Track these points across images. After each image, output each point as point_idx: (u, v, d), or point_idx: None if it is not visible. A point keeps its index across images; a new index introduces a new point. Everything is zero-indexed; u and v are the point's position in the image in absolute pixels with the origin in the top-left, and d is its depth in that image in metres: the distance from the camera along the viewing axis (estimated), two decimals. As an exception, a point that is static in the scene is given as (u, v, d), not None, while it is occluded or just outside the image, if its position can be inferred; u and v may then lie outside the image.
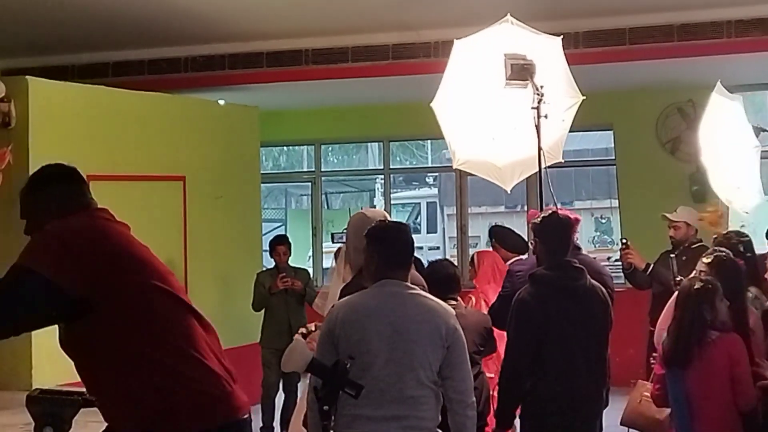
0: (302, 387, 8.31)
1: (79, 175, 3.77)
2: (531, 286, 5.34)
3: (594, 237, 15.99)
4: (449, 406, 4.37)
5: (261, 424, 9.49)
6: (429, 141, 15.10)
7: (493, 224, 11.78)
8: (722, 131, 7.84)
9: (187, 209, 10.33)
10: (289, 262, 9.57)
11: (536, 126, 6.17)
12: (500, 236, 7.99)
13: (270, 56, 10.74)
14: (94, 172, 9.10)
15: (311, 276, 9.74)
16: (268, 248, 9.60)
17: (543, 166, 6.24)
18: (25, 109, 8.48)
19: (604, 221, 15.69)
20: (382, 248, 4.42)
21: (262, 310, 9.54)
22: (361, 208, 7.94)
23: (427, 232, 16.42)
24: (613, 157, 12.43)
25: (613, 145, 12.42)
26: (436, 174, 16.20)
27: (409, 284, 4.42)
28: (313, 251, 14.05)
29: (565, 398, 5.25)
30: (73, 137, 9.01)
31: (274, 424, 9.52)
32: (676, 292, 5.60)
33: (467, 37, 6.78)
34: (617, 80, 10.87)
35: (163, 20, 9.93)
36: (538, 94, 6.17)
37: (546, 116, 6.18)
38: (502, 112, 6.54)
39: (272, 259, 9.56)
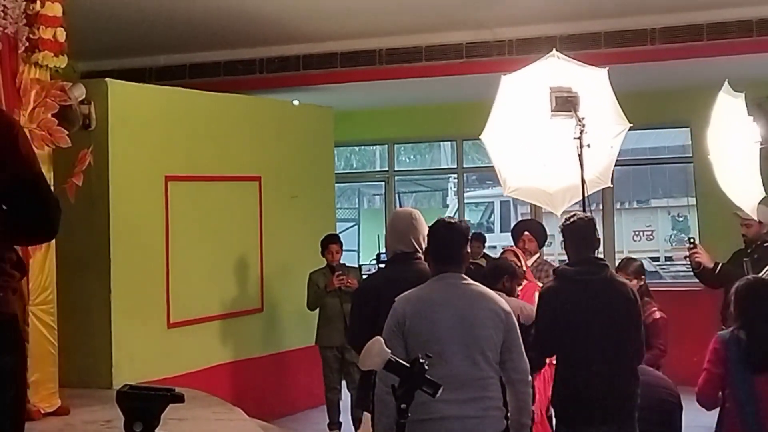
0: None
1: None
2: (554, 280, 5.77)
3: (671, 235, 15.79)
4: (511, 386, 4.64)
5: (328, 421, 9.58)
6: (502, 140, 15.05)
7: (523, 219, 11.80)
8: (728, 129, 7.89)
9: (263, 209, 10.44)
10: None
11: (579, 155, 6.55)
12: (535, 229, 8.51)
13: (344, 56, 10.80)
14: (172, 173, 9.29)
15: (362, 276, 9.82)
16: (320, 247, 9.71)
17: (588, 193, 6.71)
18: (104, 111, 8.62)
19: (681, 219, 15.49)
20: (432, 244, 4.79)
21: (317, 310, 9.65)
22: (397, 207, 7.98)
23: (501, 231, 16.31)
24: (690, 155, 12.27)
25: (690, 142, 12.27)
26: (510, 173, 16.18)
27: (463, 275, 4.70)
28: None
29: (581, 389, 5.42)
30: (152, 139, 9.15)
31: (341, 419, 9.60)
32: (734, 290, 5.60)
33: (514, 73, 7.25)
34: (694, 77, 10.72)
35: (239, 23, 10.04)
36: (580, 125, 6.56)
37: (588, 145, 6.58)
38: (549, 142, 6.94)
39: (324, 258, 9.66)
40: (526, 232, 8.36)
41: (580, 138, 6.52)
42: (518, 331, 4.68)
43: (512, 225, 9.38)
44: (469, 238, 4.91)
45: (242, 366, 10.05)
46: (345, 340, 9.32)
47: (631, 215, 15.64)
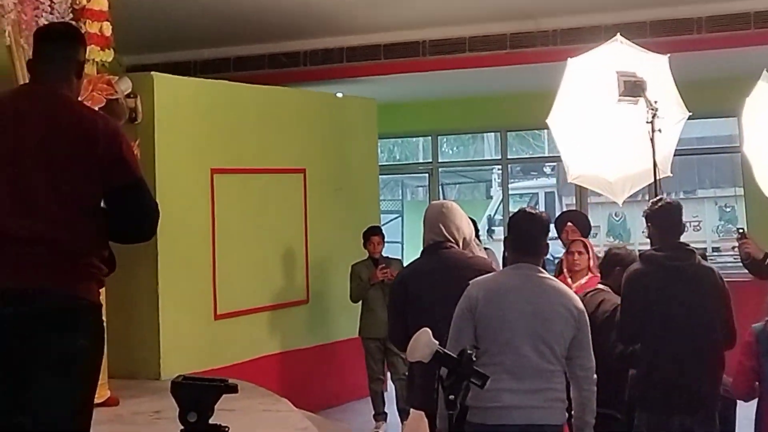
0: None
1: None
2: (640, 263, 5.61)
3: (718, 226, 15.64)
4: (576, 383, 4.64)
5: (373, 412, 9.60)
6: (545, 131, 14.96)
7: (567, 210, 11.72)
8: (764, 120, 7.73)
9: (307, 201, 10.47)
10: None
11: (651, 139, 6.49)
12: (578, 219, 8.42)
13: (387, 48, 10.79)
14: (218, 166, 9.35)
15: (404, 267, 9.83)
16: (362, 239, 9.73)
17: (650, 181, 6.65)
18: (150, 104, 8.68)
19: (728, 210, 15.33)
20: (511, 234, 4.80)
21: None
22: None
23: (553, 221, 16.20)
24: (738, 145, 12.13)
25: (737, 132, 12.12)
26: (555, 164, 16.05)
27: (539, 267, 4.68)
28: (431, 241, 14.07)
29: (667, 376, 5.33)
30: (197, 132, 9.21)
31: (386, 410, 9.63)
32: None
33: (579, 56, 7.16)
34: (742, 66, 10.58)
35: (283, 15, 10.07)
36: (652, 109, 6.48)
37: (660, 130, 6.51)
38: (614, 128, 6.90)
39: (365, 250, 9.66)
40: (569, 223, 8.30)
41: (652, 122, 6.42)
42: (589, 329, 4.66)
43: (557, 216, 9.34)
44: (549, 229, 4.86)
45: (288, 357, 10.10)
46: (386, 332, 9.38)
47: (678, 206, 15.44)
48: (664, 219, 5.55)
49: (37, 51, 4.09)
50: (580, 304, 4.66)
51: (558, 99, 7.17)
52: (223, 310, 9.33)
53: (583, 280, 7.39)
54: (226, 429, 3.10)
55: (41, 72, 3.97)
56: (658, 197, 5.89)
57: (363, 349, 9.68)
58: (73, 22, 7.13)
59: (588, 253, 7.54)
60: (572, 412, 4.70)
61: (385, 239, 10.00)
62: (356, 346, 9.98)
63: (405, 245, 15.83)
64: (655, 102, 6.45)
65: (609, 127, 6.88)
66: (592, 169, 7.12)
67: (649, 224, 5.65)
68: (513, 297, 4.53)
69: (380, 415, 9.61)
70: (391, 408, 9.54)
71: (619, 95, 6.60)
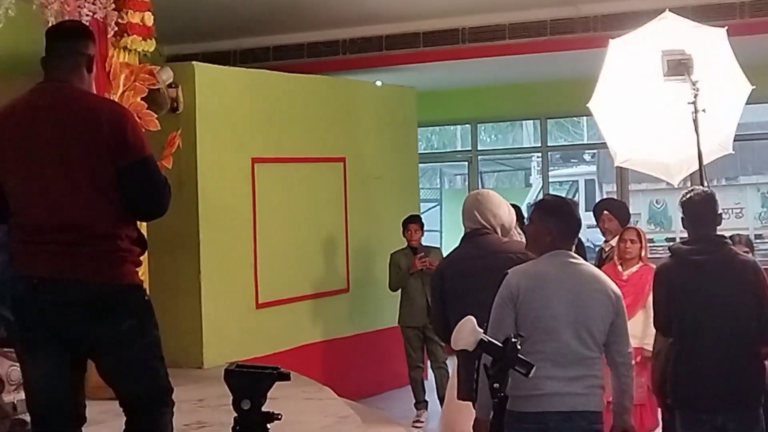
0: (452, 364, 8.37)
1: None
2: (668, 258, 5.56)
3: (760, 213, 15.48)
4: (615, 370, 4.64)
5: (414, 400, 9.62)
6: (585, 118, 14.89)
7: (604, 198, 11.60)
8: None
9: (347, 189, 10.48)
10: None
11: (694, 120, 6.32)
12: (614, 207, 8.31)
13: (426, 36, 10.76)
14: (258, 155, 9.38)
15: (443, 256, 9.83)
16: (401, 227, 9.75)
17: (711, 159, 6.55)
18: (192, 94, 8.71)
19: (772, 197, 15.22)
20: (560, 222, 4.68)
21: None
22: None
23: (585, 210, 16.12)
24: (781, 130, 12.03)
25: (780, 117, 12.01)
26: (594, 151, 15.97)
27: (572, 254, 4.67)
28: (470, 230, 14.03)
29: (697, 373, 5.23)
30: (237, 121, 9.24)
31: (426, 398, 9.65)
32: None
33: (623, 36, 6.99)
34: (785, 50, 10.50)
35: (322, 4, 10.07)
36: (694, 89, 6.32)
37: (704, 110, 6.32)
38: (664, 109, 6.70)
39: (404, 238, 9.67)
40: (606, 212, 8.20)
41: (694, 102, 6.29)
42: (626, 315, 4.67)
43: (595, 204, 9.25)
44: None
45: (329, 346, 10.13)
46: (427, 320, 9.41)
47: (720, 193, 15.26)
48: (694, 210, 5.44)
49: (48, 48, 4.28)
50: (617, 290, 4.64)
51: (600, 82, 7.01)
52: (264, 299, 9.37)
53: (634, 268, 7.35)
54: (279, 416, 3.12)
55: (52, 67, 4.20)
56: (691, 187, 5.80)
57: (402, 337, 9.70)
58: (116, 12, 7.20)
59: (641, 241, 7.48)
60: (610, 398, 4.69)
61: (424, 228, 10.00)
62: (396, 335, 9.99)
63: (444, 234, 15.81)
64: (696, 82, 6.28)
65: (659, 108, 6.71)
66: (643, 152, 6.96)
67: (681, 215, 5.57)
68: (554, 284, 4.52)
69: (421, 403, 9.63)
70: (431, 396, 9.55)
71: (664, 75, 6.45)
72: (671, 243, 14.72)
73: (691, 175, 7.06)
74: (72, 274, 3.99)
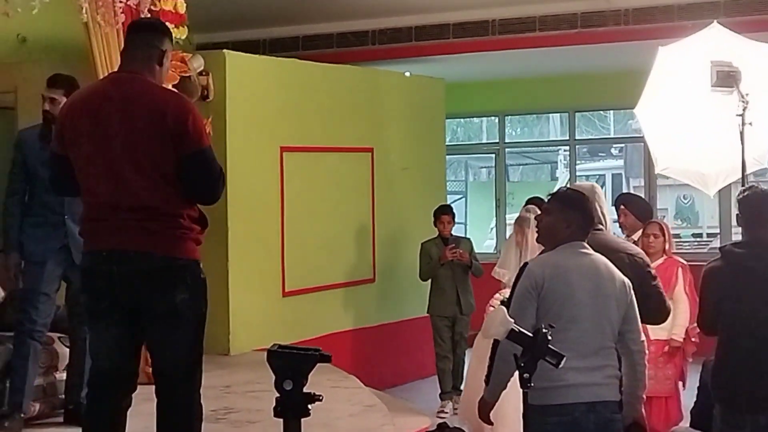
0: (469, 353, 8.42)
1: None
2: (720, 260, 5.30)
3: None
4: (630, 358, 4.63)
5: (440, 391, 9.64)
6: (611, 112, 14.84)
7: (623, 192, 11.51)
8: None
9: (375, 180, 10.49)
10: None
11: (740, 132, 6.35)
12: (631, 202, 8.16)
13: (456, 27, 10.74)
14: (287, 144, 9.39)
15: (473, 247, 9.87)
16: (433, 217, 9.76)
17: (747, 172, 6.51)
18: (222, 82, 8.74)
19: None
20: (580, 215, 4.67)
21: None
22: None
23: (611, 204, 16.05)
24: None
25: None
26: (622, 145, 15.91)
27: (585, 244, 4.67)
28: (496, 222, 14.05)
29: (730, 372, 5.09)
30: (267, 109, 9.26)
31: (450, 388, 9.69)
32: None
33: (672, 44, 7.02)
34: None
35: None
36: (743, 102, 6.34)
37: (751, 123, 6.35)
38: (707, 120, 6.75)
39: (435, 228, 9.69)
40: (622, 206, 8.12)
41: (742, 115, 6.30)
42: (636, 303, 4.65)
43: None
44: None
45: (355, 335, 10.16)
46: (456, 311, 9.42)
47: None
48: (750, 209, 5.21)
49: (125, 40, 4.65)
50: (628, 280, 4.65)
51: (647, 88, 7.08)
52: (291, 287, 9.40)
53: (659, 261, 7.32)
54: (321, 397, 3.15)
55: (126, 59, 4.54)
56: (749, 185, 5.63)
57: (431, 327, 9.72)
58: (149, 0, 7.22)
59: (664, 236, 7.46)
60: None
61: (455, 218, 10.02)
62: (422, 325, 10.01)
63: (468, 226, 15.79)
64: (747, 95, 6.29)
65: (702, 119, 6.77)
66: (682, 160, 7.01)
67: (737, 212, 5.37)
68: (576, 275, 4.53)
69: (446, 394, 9.64)
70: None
71: (712, 85, 6.48)
72: (698, 238, 14.60)
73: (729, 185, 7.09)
74: (135, 246, 4.32)
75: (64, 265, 6.13)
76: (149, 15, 7.29)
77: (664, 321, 5.62)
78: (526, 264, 4.72)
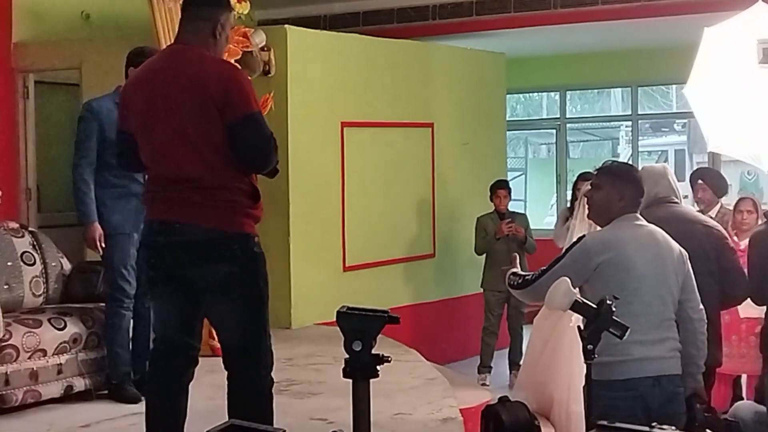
0: (528, 331, 8.41)
1: None
2: (765, 224, 5.57)
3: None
4: (690, 327, 4.57)
5: (479, 363, 9.65)
6: (674, 86, 14.64)
7: (700, 167, 11.40)
8: None
9: (435, 155, 10.48)
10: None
11: None
12: (709, 177, 8.14)
13: (517, 1, 10.66)
14: (348, 119, 9.41)
15: (529, 223, 9.86)
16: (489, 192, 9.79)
17: None
18: (283, 57, 8.77)
19: None
20: (632, 187, 4.62)
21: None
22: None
23: (688, 180, 15.84)
24: None
25: None
26: (685, 120, 15.71)
27: (640, 216, 4.63)
28: (557, 198, 13.97)
29: None
30: (328, 85, 9.28)
31: (492, 364, 9.76)
32: None
33: (716, 25, 6.97)
34: None
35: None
36: None
37: None
38: (755, 96, 6.71)
39: (491, 203, 9.67)
40: (700, 181, 8.08)
41: None
42: (692, 274, 4.62)
43: (688, 174, 9.11)
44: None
45: (415, 310, 10.17)
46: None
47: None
48: None
49: (181, 12, 4.59)
50: (683, 249, 4.61)
51: (694, 68, 7.04)
52: (351, 262, 9.44)
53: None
54: (389, 359, 3.17)
55: (180, 30, 4.49)
56: None
57: (483, 301, 9.76)
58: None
59: (757, 211, 7.40)
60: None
61: (511, 194, 10.00)
62: (481, 301, 10.00)
63: (528, 203, 15.72)
64: None
65: (750, 95, 6.73)
66: (734, 138, 6.97)
67: None
68: (634, 247, 4.47)
69: (486, 368, 9.69)
70: (499, 360, 9.72)
71: (759, 62, 6.49)
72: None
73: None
74: (183, 218, 4.30)
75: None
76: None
77: (743, 297, 5.55)
78: (583, 236, 4.69)
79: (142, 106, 4.38)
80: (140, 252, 4.62)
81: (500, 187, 9.75)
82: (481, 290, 9.93)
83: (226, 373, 4.40)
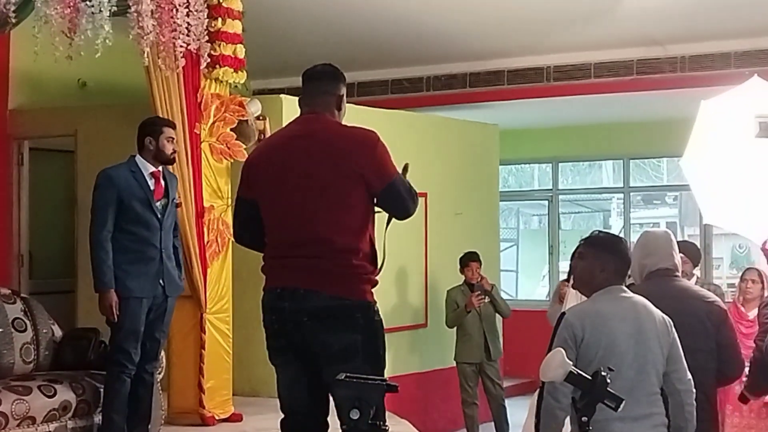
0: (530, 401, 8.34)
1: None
2: None
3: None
4: (676, 399, 4.49)
5: None
6: (665, 159, 14.75)
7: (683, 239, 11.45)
8: None
9: (428, 224, 10.49)
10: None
11: None
12: (690, 251, 7.95)
13: (511, 73, 10.79)
14: (342, 188, 9.41)
15: (496, 287, 9.92)
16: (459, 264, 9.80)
17: None
18: (279, 126, 8.70)
19: None
20: (616, 259, 4.57)
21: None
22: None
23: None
24: None
25: None
26: (677, 193, 15.79)
27: (624, 288, 4.59)
28: (549, 270, 13.96)
29: None
30: (322, 154, 9.29)
31: None
32: None
33: (713, 99, 7.11)
34: None
35: (407, 41, 10.15)
36: None
37: None
38: (751, 169, 6.82)
39: (462, 275, 9.71)
40: (682, 255, 8.08)
41: None
42: (679, 342, 4.53)
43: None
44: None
45: (407, 380, 10.09)
46: (484, 356, 9.42)
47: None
48: None
49: (303, 88, 4.70)
50: (667, 318, 4.53)
51: (691, 141, 7.15)
52: (344, 331, 9.37)
53: (757, 310, 7.25)
54: (387, 427, 3.13)
55: (305, 105, 4.63)
56: None
57: (458, 373, 9.74)
58: (209, 44, 7.31)
59: (762, 281, 7.42)
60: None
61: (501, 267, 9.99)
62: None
63: (520, 274, 15.72)
64: None
65: (746, 169, 6.84)
66: (731, 211, 7.07)
67: None
68: (616, 322, 4.41)
69: None
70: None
71: (756, 136, 6.58)
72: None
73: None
74: (309, 284, 4.35)
75: (153, 299, 6.24)
76: (209, 60, 7.39)
77: (736, 375, 5.48)
78: (563, 314, 4.62)
79: (275, 171, 4.46)
80: (263, 319, 4.57)
81: (472, 260, 9.74)
82: (454, 360, 9.87)
83: None
